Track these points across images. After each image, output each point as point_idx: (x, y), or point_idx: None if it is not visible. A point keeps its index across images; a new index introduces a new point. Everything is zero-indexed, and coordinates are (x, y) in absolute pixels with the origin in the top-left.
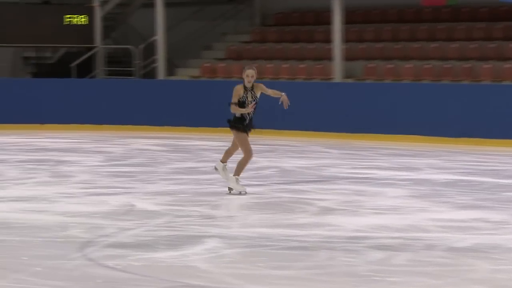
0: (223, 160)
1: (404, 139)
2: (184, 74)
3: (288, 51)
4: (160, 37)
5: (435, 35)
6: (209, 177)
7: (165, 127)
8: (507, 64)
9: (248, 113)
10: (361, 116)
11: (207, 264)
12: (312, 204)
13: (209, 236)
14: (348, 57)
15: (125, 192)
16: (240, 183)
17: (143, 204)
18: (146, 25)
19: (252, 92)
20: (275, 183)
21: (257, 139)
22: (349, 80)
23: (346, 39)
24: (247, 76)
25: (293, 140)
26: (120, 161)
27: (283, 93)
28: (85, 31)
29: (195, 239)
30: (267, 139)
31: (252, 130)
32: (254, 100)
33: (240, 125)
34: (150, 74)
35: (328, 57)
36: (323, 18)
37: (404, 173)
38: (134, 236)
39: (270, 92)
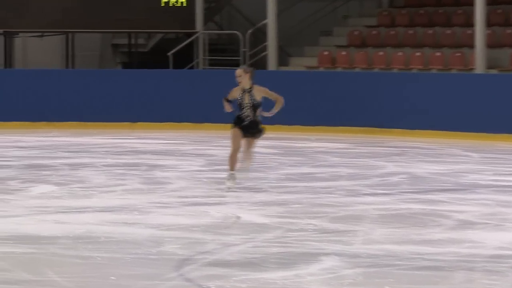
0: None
1: None
2: (298, 64)
3: (421, 37)
4: (271, 21)
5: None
6: (327, 185)
7: (276, 125)
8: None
9: (247, 115)
10: (506, 113)
11: (324, 287)
12: (449, 217)
13: (327, 254)
14: (492, 44)
15: (229, 202)
16: (232, 178)
17: (250, 216)
18: (255, 8)
19: (250, 94)
20: (404, 192)
21: (383, 140)
22: (493, 71)
23: (490, 23)
24: (235, 76)
25: (425, 141)
26: (223, 165)
27: (281, 98)
28: (184, 14)
29: (311, 257)
30: (395, 140)
31: (260, 135)
32: (250, 103)
33: (236, 122)
34: (259, 64)
35: (469, 44)
36: None
37: None
38: (239, 253)
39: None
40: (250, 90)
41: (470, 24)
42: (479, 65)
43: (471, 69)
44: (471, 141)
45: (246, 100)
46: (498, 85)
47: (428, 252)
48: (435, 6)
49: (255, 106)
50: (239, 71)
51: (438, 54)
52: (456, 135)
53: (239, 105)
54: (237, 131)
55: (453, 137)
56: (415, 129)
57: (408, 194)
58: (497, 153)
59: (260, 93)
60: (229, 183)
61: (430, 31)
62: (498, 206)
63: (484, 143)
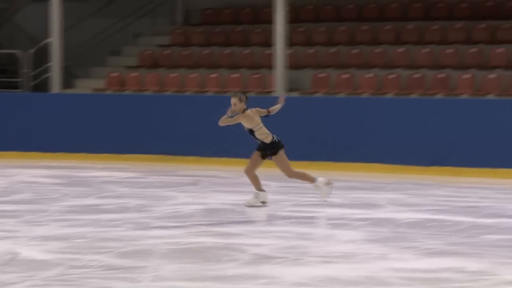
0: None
1: (361, 168)
2: (85, 86)
3: (217, 57)
4: (55, 39)
5: (402, 37)
6: (113, 217)
7: (59, 153)
8: (491, 74)
9: (257, 139)
10: (302, 140)
11: None
12: (244, 251)
13: None
14: (293, 65)
15: (7, 237)
16: (260, 197)
17: (29, 252)
18: (39, 25)
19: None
20: (197, 225)
21: (176, 168)
22: (294, 94)
23: (291, 42)
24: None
25: (222, 169)
26: (0, 197)
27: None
28: None
29: None
30: (188, 169)
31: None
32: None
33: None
34: (41, 86)
35: (268, 65)
36: (261, 15)
37: (360, 211)
38: None
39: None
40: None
41: (269, 43)
42: (279, 87)
43: (271, 91)
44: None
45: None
46: (299, 107)
47: None
48: (232, 24)
49: (251, 132)
50: (233, 100)
51: (235, 75)
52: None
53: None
54: (256, 155)
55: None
56: (211, 156)
57: (201, 226)
58: (296, 182)
59: (247, 118)
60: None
61: (227, 50)
62: (296, 239)
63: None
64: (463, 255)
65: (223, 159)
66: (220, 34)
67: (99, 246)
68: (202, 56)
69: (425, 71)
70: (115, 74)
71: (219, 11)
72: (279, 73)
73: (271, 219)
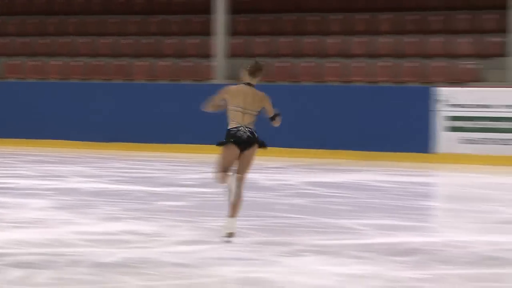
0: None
1: (50, 144)
2: None
3: None
4: None
5: (86, 28)
6: None
7: None
8: (163, 62)
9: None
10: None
11: None
12: None
13: None
14: None
15: None
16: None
17: None
18: None
19: None
20: None
21: None
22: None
23: None
24: None
25: None
26: None
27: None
28: None
29: None
30: None
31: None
32: None
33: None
34: None
35: None
36: None
37: (49, 182)
38: None
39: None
40: None
41: None
42: None
43: None
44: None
45: None
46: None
47: None
48: None
49: None
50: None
51: None
52: None
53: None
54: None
55: None
56: None
57: None
58: None
59: None
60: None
61: None
62: None
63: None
64: (139, 219)
65: None
66: None
67: None
68: None
69: (106, 59)
70: None
71: None
72: None
73: None
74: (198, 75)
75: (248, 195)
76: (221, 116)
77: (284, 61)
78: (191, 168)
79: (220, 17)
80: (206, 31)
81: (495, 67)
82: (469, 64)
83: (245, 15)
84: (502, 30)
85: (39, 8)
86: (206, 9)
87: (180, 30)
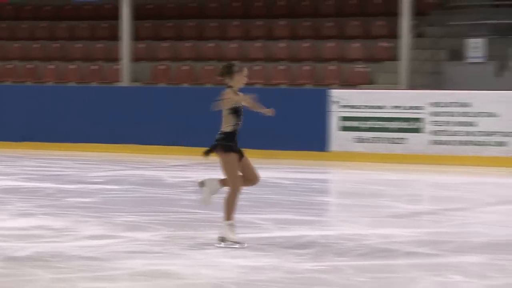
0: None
1: None
2: None
3: None
4: None
5: None
6: None
7: None
8: (71, 65)
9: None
10: None
11: None
12: None
13: None
14: None
15: None
16: (235, 230)
17: None
18: None
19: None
20: None
21: None
22: None
23: None
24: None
25: None
26: None
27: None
28: None
29: None
30: None
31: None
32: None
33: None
34: None
35: None
36: None
37: None
38: None
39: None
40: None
41: None
42: None
43: None
44: None
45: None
46: None
47: None
48: None
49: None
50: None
51: None
52: None
53: (239, 113)
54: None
55: None
56: None
57: None
58: None
59: None
60: (235, 238)
61: None
62: None
63: None
64: (50, 215)
65: None
66: None
67: None
68: None
69: (16, 63)
70: None
71: None
72: None
73: None
74: (105, 78)
75: (153, 192)
76: (124, 116)
77: (186, 64)
78: (99, 166)
79: (125, 23)
80: (112, 36)
81: (385, 70)
82: (361, 67)
83: (149, 21)
84: (391, 36)
85: None
86: (112, 16)
87: (87, 35)
